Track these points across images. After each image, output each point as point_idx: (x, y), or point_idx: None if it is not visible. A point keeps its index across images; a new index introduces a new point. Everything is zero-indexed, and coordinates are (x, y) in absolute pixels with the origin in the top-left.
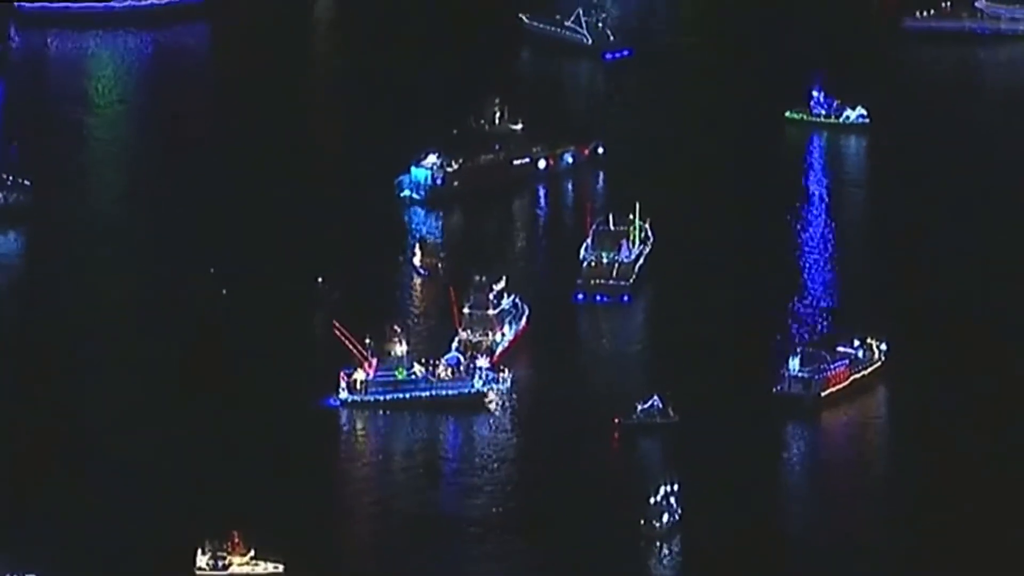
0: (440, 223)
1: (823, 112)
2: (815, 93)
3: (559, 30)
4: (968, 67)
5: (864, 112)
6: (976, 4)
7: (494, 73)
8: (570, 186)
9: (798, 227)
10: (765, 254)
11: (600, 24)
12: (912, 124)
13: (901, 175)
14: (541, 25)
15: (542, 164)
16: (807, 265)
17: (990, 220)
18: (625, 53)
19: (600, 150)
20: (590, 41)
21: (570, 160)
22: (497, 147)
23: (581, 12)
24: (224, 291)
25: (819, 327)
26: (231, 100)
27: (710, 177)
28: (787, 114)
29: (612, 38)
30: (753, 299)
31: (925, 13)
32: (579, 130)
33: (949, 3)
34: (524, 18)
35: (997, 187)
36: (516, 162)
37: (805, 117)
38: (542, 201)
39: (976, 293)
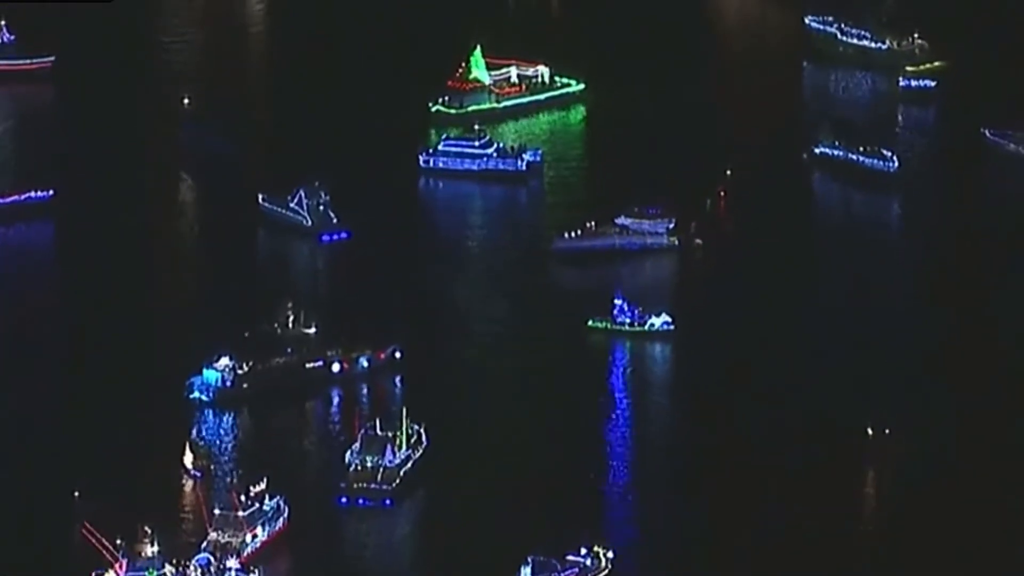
0: (227, 425)
1: (627, 320)
2: (618, 301)
3: (284, 211)
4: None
5: (669, 319)
6: (617, 221)
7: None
8: (365, 389)
9: (588, 436)
10: (545, 462)
11: (321, 206)
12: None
13: (705, 382)
14: (272, 206)
15: (336, 367)
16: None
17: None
18: (343, 235)
19: (398, 354)
20: (310, 223)
21: (365, 364)
22: (290, 350)
23: (303, 194)
24: None
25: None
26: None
27: (508, 384)
28: (589, 323)
29: (335, 220)
30: (511, 508)
31: (572, 234)
32: (375, 333)
33: (594, 223)
34: (260, 198)
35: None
36: (309, 365)
37: (609, 326)
38: (335, 404)
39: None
